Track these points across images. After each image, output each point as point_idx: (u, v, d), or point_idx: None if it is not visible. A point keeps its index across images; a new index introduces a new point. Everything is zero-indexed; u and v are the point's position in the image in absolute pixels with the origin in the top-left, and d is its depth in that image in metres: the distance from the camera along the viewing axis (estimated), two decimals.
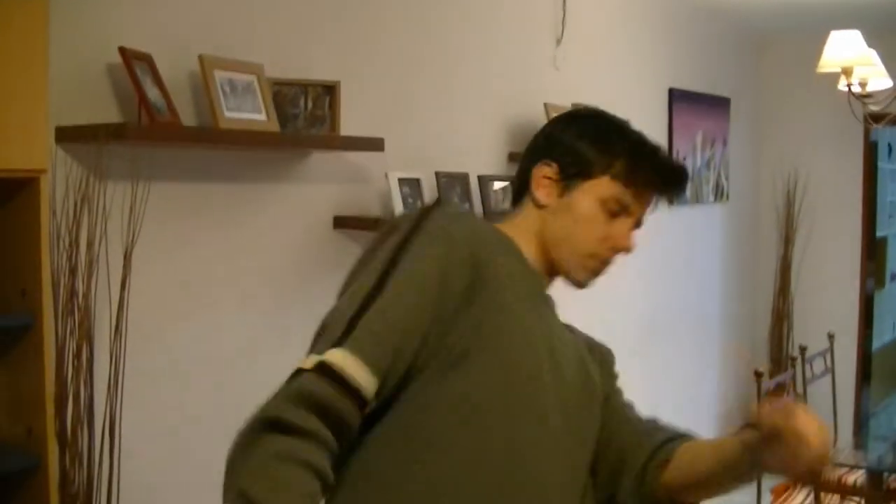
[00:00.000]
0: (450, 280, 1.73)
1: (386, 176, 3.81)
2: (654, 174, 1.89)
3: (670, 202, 1.96)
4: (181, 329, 3.27)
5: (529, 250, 1.91)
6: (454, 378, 1.72)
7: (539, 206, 1.93)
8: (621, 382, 2.10)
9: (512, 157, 4.62)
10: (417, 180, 3.91)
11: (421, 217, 1.82)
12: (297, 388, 1.63)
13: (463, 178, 4.13)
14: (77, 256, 2.80)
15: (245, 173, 3.45)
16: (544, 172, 1.91)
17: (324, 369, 1.63)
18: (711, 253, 6.89)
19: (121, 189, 2.96)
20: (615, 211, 1.88)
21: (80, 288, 2.80)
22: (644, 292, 5.91)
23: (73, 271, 2.78)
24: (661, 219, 6.08)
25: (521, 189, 1.98)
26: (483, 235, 1.85)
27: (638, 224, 1.94)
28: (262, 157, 3.50)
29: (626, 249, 1.91)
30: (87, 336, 2.80)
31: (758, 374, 4.76)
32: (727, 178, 6.92)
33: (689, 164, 6.35)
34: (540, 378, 1.80)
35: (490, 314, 1.75)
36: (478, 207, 4.20)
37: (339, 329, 1.69)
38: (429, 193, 3.95)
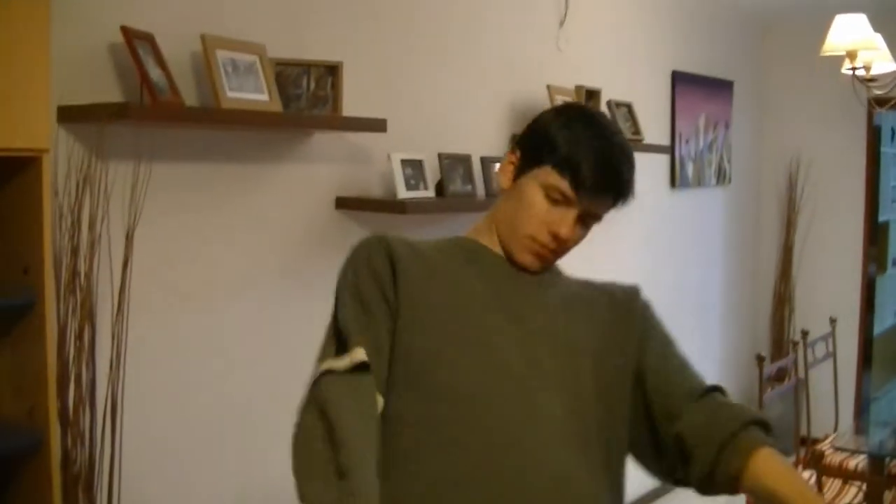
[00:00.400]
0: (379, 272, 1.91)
1: (388, 157, 3.80)
2: (589, 172, 1.92)
3: (612, 204, 2.00)
4: (182, 309, 3.26)
5: (492, 240, 2.03)
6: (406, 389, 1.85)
7: (501, 191, 2.05)
8: None
9: (515, 138, 4.60)
10: (420, 161, 3.90)
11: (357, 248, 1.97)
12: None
13: (465, 160, 4.12)
14: (79, 236, 2.79)
15: (247, 153, 3.44)
16: (510, 158, 2.04)
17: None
18: (713, 236, 6.88)
19: (123, 169, 2.95)
20: (557, 199, 1.94)
21: (82, 268, 2.79)
22: (644, 275, 5.89)
23: (74, 251, 2.78)
24: (663, 202, 6.08)
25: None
26: (407, 241, 1.99)
27: (593, 219, 2.00)
28: (264, 137, 3.49)
29: (562, 236, 1.95)
30: (88, 316, 2.80)
31: (759, 359, 4.76)
32: (729, 162, 6.91)
33: (691, 147, 6.35)
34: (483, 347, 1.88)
35: (407, 309, 1.87)
36: (480, 189, 4.19)
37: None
38: (431, 175, 3.94)
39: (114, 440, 2.90)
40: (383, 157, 3.84)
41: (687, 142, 6.32)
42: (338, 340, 1.87)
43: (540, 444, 1.83)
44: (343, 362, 1.82)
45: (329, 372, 1.82)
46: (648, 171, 5.90)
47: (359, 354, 1.81)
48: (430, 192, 3.93)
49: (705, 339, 6.83)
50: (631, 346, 2.04)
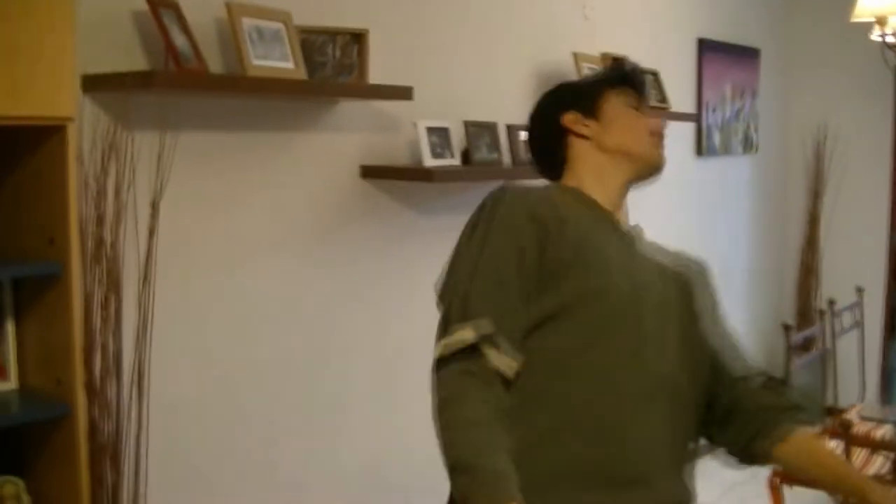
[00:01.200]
0: (526, 246, 1.96)
1: (414, 125, 3.77)
2: (639, 80, 2.26)
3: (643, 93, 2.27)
4: (208, 278, 3.25)
5: (596, 191, 2.17)
6: (549, 330, 1.94)
7: (586, 142, 2.21)
8: None
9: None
10: (446, 129, 3.87)
11: (494, 203, 2.05)
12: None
13: (491, 128, 4.09)
14: (105, 205, 2.78)
15: (272, 122, 3.42)
16: (570, 120, 2.22)
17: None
18: (739, 205, 6.83)
19: (148, 138, 2.94)
20: (635, 106, 2.22)
21: (108, 237, 2.78)
22: (669, 242, 5.86)
23: (100, 220, 2.77)
24: (689, 170, 6.04)
25: (552, 158, 2.28)
26: (548, 201, 2.06)
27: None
28: (290, 105, 3.47)
29: (662, 128, 2.24)
30: (114, 286, 2.79)
31: (786, 328, 4.72)
32: (756, 130, 6.84)
33: (718, 116, 6.29)
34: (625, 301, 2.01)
35: (567, 254, 1.97)
36: (506, 157, 4.16)
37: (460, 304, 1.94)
38: (457, 142, 3.91)
39: (140, 410, 2.90)
40: (409, 125, 3.81)
41: (713, 110, 6.26)
42: (464, 311, 1.92)
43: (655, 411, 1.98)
44: (468, 335, 1.88)
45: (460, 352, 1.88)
46: (674, 139, 5.84)
47: (484, 328, 1.88)
48: (457, 160, 3.90)
49: (730, 308, 6.75)
50: (709, 315, 2.27)
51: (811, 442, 2.13)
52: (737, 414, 2.13)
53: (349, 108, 3.67)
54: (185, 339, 3.19)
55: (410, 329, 3.83)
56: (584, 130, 2.20)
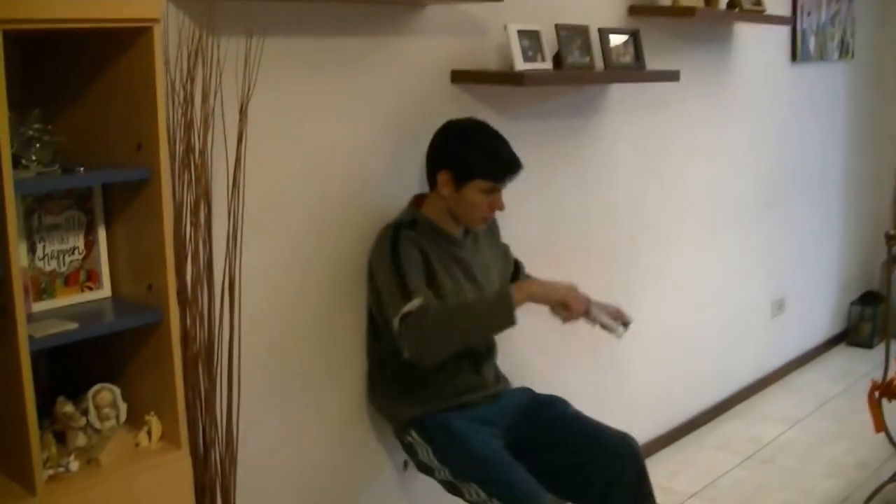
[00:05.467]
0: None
1: (505, 28, 3.67)
2: (506, 173, 3.29)
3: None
4: (298, 186, 3.22)
5: (444, 217, 3.34)
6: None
7: (444, 192, 3.30)
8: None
9: (632, 10, 4.45)
10: (537, 32, 3.76)
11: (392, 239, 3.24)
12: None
13: (583, 31, 3.97)
14: (192, 111, 2.73)
15: (360, 26, 3.34)
16: (443, 179, 3.28)
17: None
18: (834, 112, 6.64)
19: (234, 43, 2.87)
20: (489, 192, 3.27)
21: (197, 143, 2.73)
22: (763, 150, 5.74)
23: (188, 126, 2.72)
24: (782, 76, 5.89)
25: (431, 179, 3.34)
26: (419, 231, 3.28)
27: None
28: (377, 9, 3.38)
29: (501, 209, 3.34)
30: (204, 192, 2.75)
31: (889, 238, 4.57)
32: (853, 36, 6.62)
33: (813, 20, 6.09)
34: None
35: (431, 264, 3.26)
36: (598, 61, 4.04)
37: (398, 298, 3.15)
38: (548, 46, 3.80)
39: (232, 318, 2.87)
40: (499, 28, 3.72)
41: (809, 14, 6.05)
42: (404, 293, 3.12)
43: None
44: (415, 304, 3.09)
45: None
46: (768, 44, 5.68)
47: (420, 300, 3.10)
48: (548, 64, 3.80)
49: (826, 217, 6.65)
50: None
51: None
52: None
53: (438, 12, 3.59)
54: (275, 247, 3.17)
55: None
56: (444, 192, 3.29)
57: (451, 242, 3.35)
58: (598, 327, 3.34)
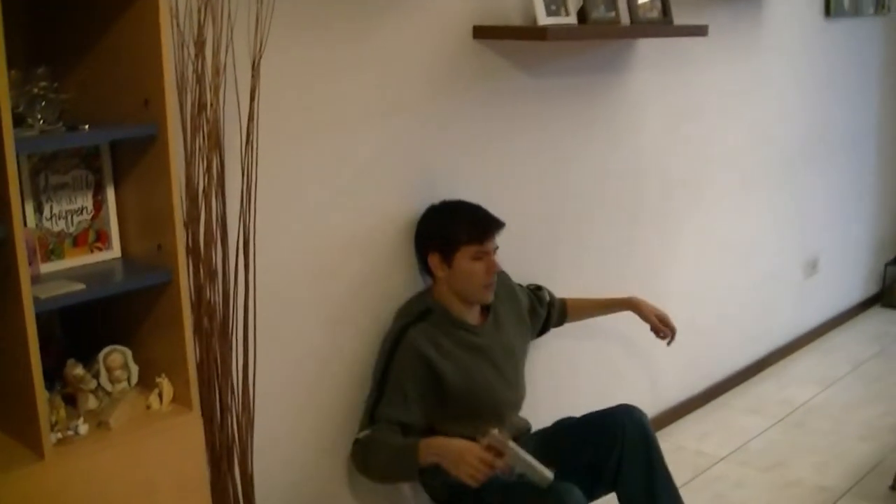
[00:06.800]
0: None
1: None
2: (485, 231, 3.33)
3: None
4: (313, 142, 3.15)
5: (454, 301, 3.39)
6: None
7: (441, 277, 3.36)
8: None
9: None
10: None
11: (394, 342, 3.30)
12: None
13: None
14: (203, 65, 2.66)
15: None
16: (434, 261, 3.36)
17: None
18: (869, 68, 6.50)
19: None
20: (479, 257, 3.31)
21: (208, 98, 2.67)
22: (797, 109, 5.63)
23: (199, 81, 2.65)
24: (816, 31, 5.77)
25: (426, 269, 3.44)
26: (432, 322, 3.34)
27: (494, 250, 3.37)
28: None
29: (497, 270, 3.36)
30: (216, 148, 2.69)
31: None
32: None
33: None
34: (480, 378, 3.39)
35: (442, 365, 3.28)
36: (624, 15, 3.95)
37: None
38: (573, 1, 3.71)
39: (247, 277, 2.82)
40: None
41: None
42: (371, 413, 3.24)
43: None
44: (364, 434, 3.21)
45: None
46: None
47: (369, 431, 3.21)
48: (572, 19, 3.71)
49: (860, 177, 6.54)
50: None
51: (575, 301, 3.89)
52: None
53: None
54: (289, 204, 3.11)
55: (520, 192, 3.73)
56: (440, 274, 3.36)
57: (467, 331, 3.39)
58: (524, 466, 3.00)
